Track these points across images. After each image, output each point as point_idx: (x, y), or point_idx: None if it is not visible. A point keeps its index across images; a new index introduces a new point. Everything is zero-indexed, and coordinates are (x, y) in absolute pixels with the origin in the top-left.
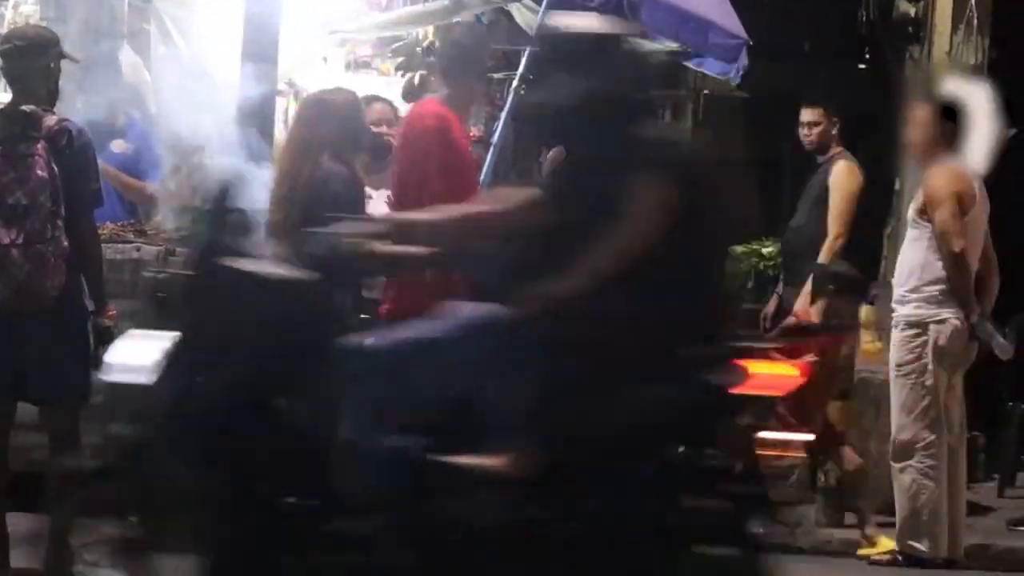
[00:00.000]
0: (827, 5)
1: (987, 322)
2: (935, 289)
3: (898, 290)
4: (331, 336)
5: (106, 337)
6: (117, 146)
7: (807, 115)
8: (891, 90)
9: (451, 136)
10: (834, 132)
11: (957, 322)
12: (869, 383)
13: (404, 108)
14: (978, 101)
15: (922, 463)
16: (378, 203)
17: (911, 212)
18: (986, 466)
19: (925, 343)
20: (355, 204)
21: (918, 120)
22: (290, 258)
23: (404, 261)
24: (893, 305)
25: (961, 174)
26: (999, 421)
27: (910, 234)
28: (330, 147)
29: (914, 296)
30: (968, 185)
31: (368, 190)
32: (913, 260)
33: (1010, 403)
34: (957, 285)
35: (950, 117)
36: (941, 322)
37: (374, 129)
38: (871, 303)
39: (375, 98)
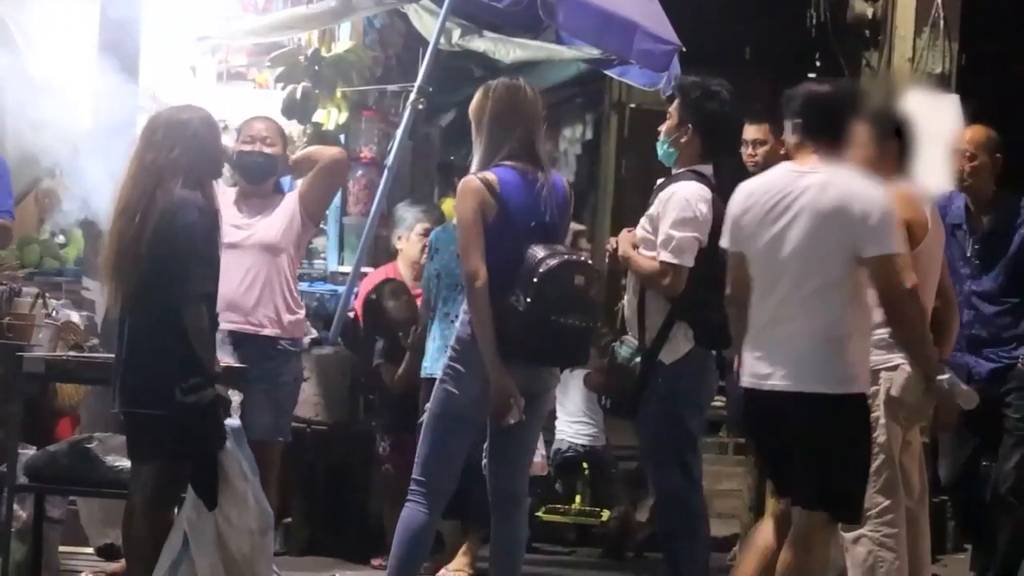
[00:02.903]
0: (771, 5)
1: (946, 367)
2: (885, 332)
3: None
4: None
5: None
6: None
7: (751, 132)
8: None
9: None
10: (783, 152)
11: (911, 368)
12: None
13: (288, 125)
14: (942, 114)
15: (878, 532)
16: (268, 229)
17: None
18: (957, 535)
19: (875, 394)
20: (211, 233)
21: (859, 136)
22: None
23: None
24: None
25: (910, 198)
26: (970, 483)
27: None
28: (185, 172)
29: None
30: (918, 211)
31: (242, 218)
32: None
33: (984, 463)
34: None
35: (898, 133)
36: (893, 368)
37: (246, 148)
38: None
39: (256, 118)
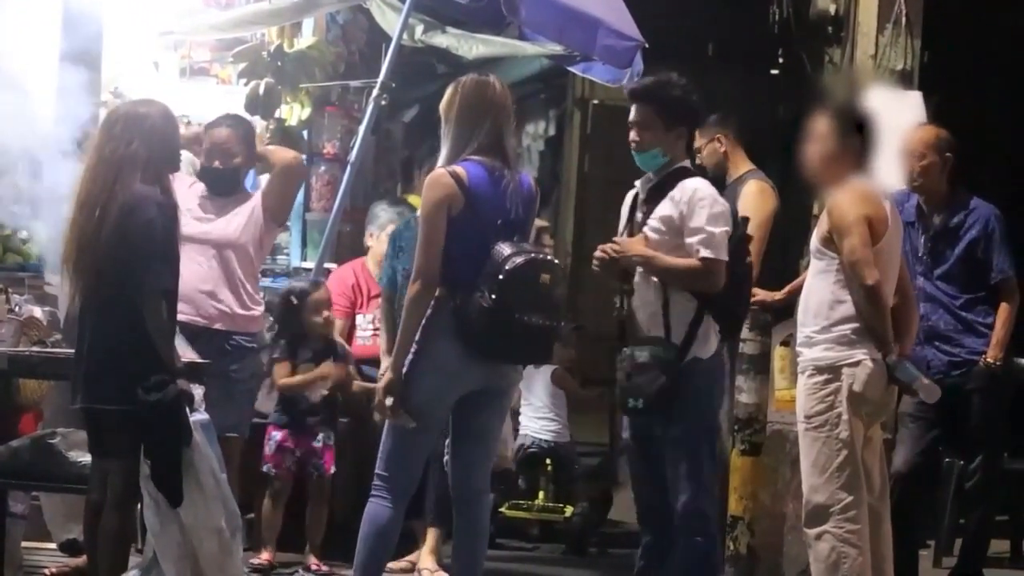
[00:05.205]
0: (734, 1)
1: (907, 362)
2: (846, 328)
3: (803, 331)
4: None
5: None
6: None
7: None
8: (808, 98)
9: None
10: (723, 150)
11: (872, 364)
12: (784, 436)
13: (251, 121)
14: (903, 111)
15: (840, 528)
16: (227, 225)
17: (814, 240)
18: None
19: (837, 390)
20: (170, 228)
21: (819, 133)
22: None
23: None
24: (799, 348)
25: (871, 195)
26: (934, 480)
27: (814, 266)
28: (144, 165)
29: (822, 337)
30: (879, 208)
31: (206, 211)
32: (820, 296)
33: (947, 459)
34: (872, 322)
35: (858, 129)
36: (855, 364)
37: (208, 161)
38: (785, 344)
39: (220, 124)
